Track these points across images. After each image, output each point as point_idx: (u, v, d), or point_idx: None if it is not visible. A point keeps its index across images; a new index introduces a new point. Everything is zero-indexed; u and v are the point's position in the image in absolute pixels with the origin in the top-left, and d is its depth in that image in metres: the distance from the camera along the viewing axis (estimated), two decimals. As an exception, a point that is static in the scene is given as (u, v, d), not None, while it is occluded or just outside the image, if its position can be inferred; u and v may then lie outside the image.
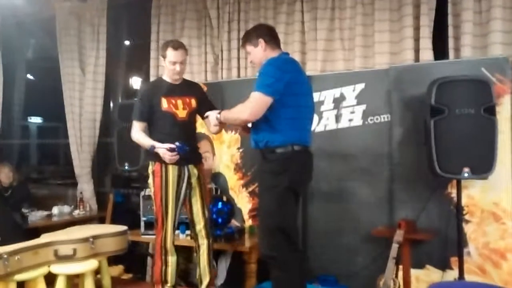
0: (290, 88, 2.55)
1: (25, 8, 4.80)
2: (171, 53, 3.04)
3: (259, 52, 2.73)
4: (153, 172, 3.09)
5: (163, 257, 3.12)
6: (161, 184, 3.06)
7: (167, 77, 3.17)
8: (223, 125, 2.92)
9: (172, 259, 3.12)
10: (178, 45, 3.08)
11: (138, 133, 3.12)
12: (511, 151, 3.07)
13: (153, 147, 3.00)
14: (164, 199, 3.06)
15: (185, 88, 3.19)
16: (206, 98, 3.27)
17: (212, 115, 2.86)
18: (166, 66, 3.12)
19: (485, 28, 3.37)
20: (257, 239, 2.68)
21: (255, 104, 2.52)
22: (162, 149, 2.96)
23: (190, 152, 3.05)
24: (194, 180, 3.15)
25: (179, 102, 3.11)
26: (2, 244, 3.06)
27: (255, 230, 3.72)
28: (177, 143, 2.95)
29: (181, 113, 3.10)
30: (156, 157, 3.05)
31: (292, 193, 2.57)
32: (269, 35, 2.77)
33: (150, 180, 3.12)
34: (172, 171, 3.06)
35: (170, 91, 3.12)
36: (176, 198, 3.09)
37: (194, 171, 3.15)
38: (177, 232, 3.51)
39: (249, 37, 2.79)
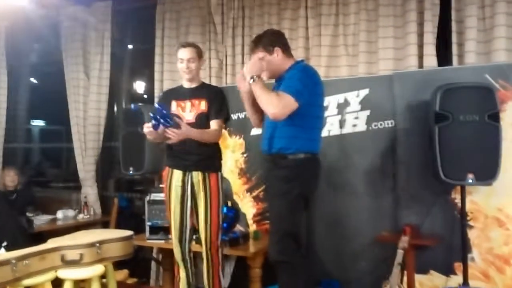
0: (315, 98, 2.57)
1: (30, 13, 4.82)
2: (179, 51, 3.03)
3: (275, 61, 2.67)
4: (162, 177, 3.08)
5: (175, 267, 3.09)
6: (166, 190, 3.06)
7: (183, 81, 3.13)
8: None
9: (181, 274, 3.04)
10: (187, 44, 3.08)
11: None
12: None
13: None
14: (167, 206, 3.06)
15: (198, 91, 3.07)
16: (216, 102, 3.03)
17: (247, 75, 2.55)
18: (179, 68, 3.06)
19: (489, 34, 3.40)
20: (268, 244, 2.68)
21: (286, 107, 2.42)
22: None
23: (196, 156, 2.95)
24: (198, 188, 3.01)
25: (188, 104, 3.04)
26: (9, 249, 3.08)
27: (259, 235, 3.75)
28: (156, 104, 2.64)
29: (188, 115, 3.01)
30: (165, 161, 3.06)
31: (302, 200, 2.59)
32: (285, 44, 2.73)
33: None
34: (176, 177, 3.01)
35: (181, 94, 3.09)
36: (181, 206, 3.02)
37: (198, 178, 3.00)
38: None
39: (262, 44, 2.68)
